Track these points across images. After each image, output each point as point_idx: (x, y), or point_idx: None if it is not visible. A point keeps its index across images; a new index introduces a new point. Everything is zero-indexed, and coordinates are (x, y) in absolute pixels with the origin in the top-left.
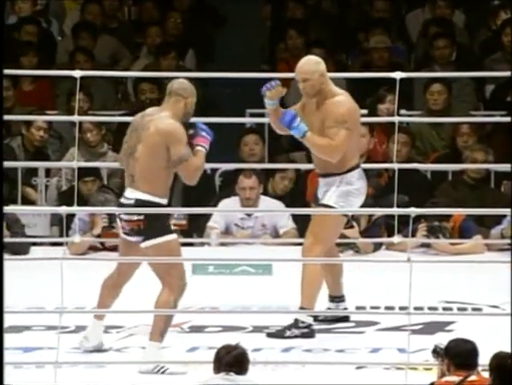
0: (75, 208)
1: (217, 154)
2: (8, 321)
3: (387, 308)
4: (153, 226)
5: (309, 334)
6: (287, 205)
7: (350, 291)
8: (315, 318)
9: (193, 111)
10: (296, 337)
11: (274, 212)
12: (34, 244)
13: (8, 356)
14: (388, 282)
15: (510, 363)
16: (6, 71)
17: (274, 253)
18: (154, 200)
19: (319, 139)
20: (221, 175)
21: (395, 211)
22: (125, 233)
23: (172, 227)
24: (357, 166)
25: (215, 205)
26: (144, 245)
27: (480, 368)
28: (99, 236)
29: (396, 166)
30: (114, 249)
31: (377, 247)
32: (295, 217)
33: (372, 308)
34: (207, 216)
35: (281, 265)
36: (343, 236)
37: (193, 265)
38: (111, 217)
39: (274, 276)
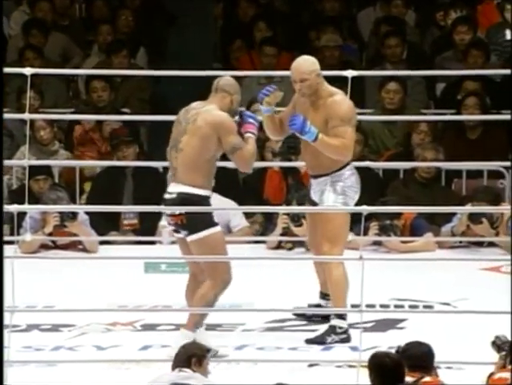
0: (26, 207)
1: None
2: None
3: None
4: (196, 220)
5: (347, 339)
6: (239, 204)
7: (303, 289)
8: (295, 314)
9: (237, 108)
10: (336, 342)
11: (227, 209)
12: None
13: None
14: None
15: (389, 362)
16: None
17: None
18: (197, 193)
19: (332, 139)
20: None
21: (347, 209)
22: (174, 231)
23: (124, 227)
24: (348, 163)
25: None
26: (189, 239)
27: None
28: (50, 234)
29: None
30: (65, 247)
31: None
32: (247, 215)
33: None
34: (158, 215)
35: (232, 262)
36: (293, 234)
37: (146, 264)
38: (63, 216)
39: None
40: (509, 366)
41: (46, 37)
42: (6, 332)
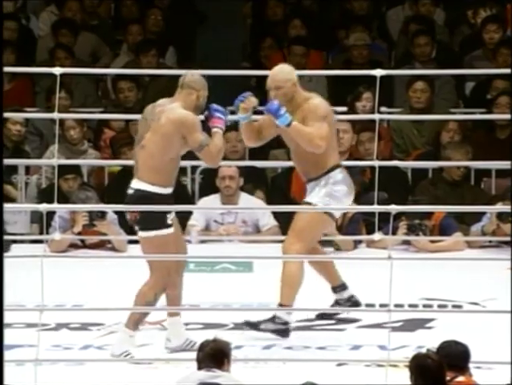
0: (55, 206)
1: None
2: None
3: (367, 305)
4: (148, 218)
5: (283, 331)
6: (267, 203)
7: (330, 288)
8: (321, 316)
9: (204, 104)
10: (270, 331)
11: (255, 209)
12: (15, 241)
13: None
14: (368, 280)
15: (431, 363)
16: None
17: (255, 250)
18: (155, 191)
19: (305, 127)
20: (201, 172)
21: (375, 208)
22: (131, 226)
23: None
24: (338, 165)
25: (194, 203)
26: (139, 234)
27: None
28: (79, 233)
29: (376, 163)
30: (94, 246)
31: (357, 244)
32: (277, 215)
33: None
34: (188, 214)
35: (261, 262)
36: None
37: None
38: (92, 215)
39: (255, 273)
40: None
41: (75, 36)
42: (35, 331)
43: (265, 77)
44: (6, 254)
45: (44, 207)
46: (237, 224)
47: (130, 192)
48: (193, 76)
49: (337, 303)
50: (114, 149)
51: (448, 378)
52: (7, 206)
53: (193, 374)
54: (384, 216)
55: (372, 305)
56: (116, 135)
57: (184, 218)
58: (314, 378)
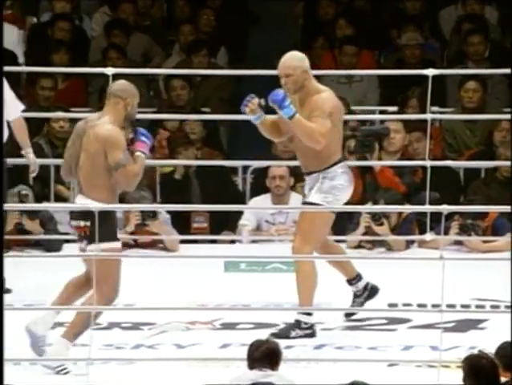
0: (107, 206)
1: (249, 150)
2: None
3: (419, 305)
4: (98, 231)
5: (311, 334)
6: None
7: (382, 288)
8: (347, 317)
9: (135, 112)
10: (300, 337)
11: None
12: (67, 241)
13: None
14: (420, 280)
15: (485, 363)
16: (40, 69)
17: None
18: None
19: (308, 122)
20: (252, 172)
21: (427, 208)
22: (78, 240)
23: (193, 230)
24: (340, 161)
25: (245, 203)
26: (89, 248)
27: None
28: (132, 233)
29: (428, 163)
30: (146, 246)
31: (409, 244)
32: None
33: (404, 305)
34: (239, 214)
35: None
36: (374, 233)
37: (225, 263)
38: (145, 215)
39: None
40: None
41: (128, 37)
42: (88, 330)
43: (316, 76)
44: (57, 254)
45: (96, 207)
46: (287, 225)
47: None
48: (119, 85)
49: (355, 296)
50: (171, 148)
51: (506, 379)
52: (60, 206)
53: (245, 374)
54: (436, 217)
55: (424, 306)
56: (173, 135)
57: (235, 218)
58: (365, 379)
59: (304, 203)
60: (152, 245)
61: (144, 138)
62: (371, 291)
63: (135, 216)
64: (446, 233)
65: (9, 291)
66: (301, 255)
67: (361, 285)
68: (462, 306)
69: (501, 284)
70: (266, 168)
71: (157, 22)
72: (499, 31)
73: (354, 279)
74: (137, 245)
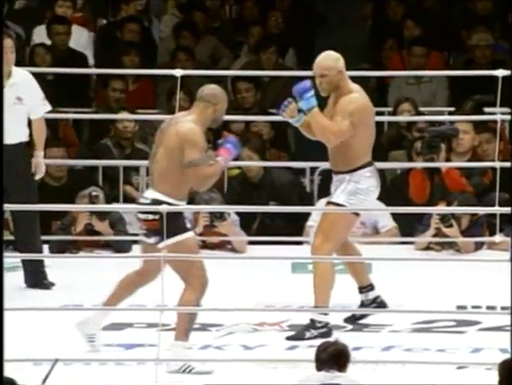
0: (175, 207)
1: (317, 152)
2: (110, 318)
3: (488, 308)
4: (169, 226)
5: (327, 333)
6: (386, 204)
7: (451, 290)
8: (346, 319)
9: (222, 117)
10: (316, 338)
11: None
12: (136, 242)
13: (110, 353)
14: (489, 282)
15: None
16: (108, 71)
17: (374, 251)
18: (168, 201)
19: (324, 119)
20: (320, 174)
21: (497, 210)
22: (144, 235)
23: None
24: (368, 164)
25: (313, 204)
26: (161, 245)
27: None
28: (201, 234)
29: (497, 164)
30: (215, 247)
31: (479, 246)
32: (396, 216)
33: (474, 307)
34: (306, 216)
35: (380, 263)
36: (443, 235)
37: (293, 264)
38: (213, 216)
39: (374, 274)
40: None
41: (196, 39)
42: (155, 331)
43: (384, 78)
44: (127, 254)
45: (164, 208)
46: (355, 226)
47: (146, 201)
48: (211, 90)
49: (362, 304)
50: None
51: None
52: (128, 207)
53: (313, 375)
54: (506, 218)
55: (493, 308)
56: (243, 137)
57: (302, 219)
58: (434, 381)
59: (328, 202)
60: (220, 246)
61: (229, 145)
62: (379, 305)
63: (203, 217)
64: None
65: (49, 286)
66: (325, 256)
67: (371, 295)
68: None
69: None
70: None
71: (226, 23)
72: None
73: (365, 288)
74: (206, 246)
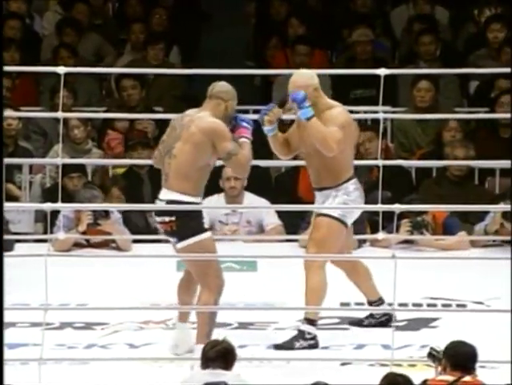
0: (59, 205)
1: None
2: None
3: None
4: (186, 226)
5: (315, 345)
6: (271, 202)
7: (334, 288)
8: (359, 325)
9: (233, 113)
10: (304, 348)
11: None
12: (18, 241)
13: None
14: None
15: (401, 381)
16: None
17: (259, 249)
18: (186, 200)
19: (323, 127)
20: None
21: (379, 207)
22: (166, 236)
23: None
24: (352, 177)
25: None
26: (178, 246)
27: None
28: (84, 232)
29: (380, 162)
30: (98, 245)
31: (360, 243)
32: (281, 214)
33: (357, 304)
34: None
35: (265, 261)
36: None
37: (178, 262)
38: (96, 214)
39: (259, 272)
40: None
41: (79, 36)
42: (39, 330)
43: (268, 76)
44: (9, 253)
45: (48, 206)
46: (241, 225)
47: (161, 203)
48: (221, 87)
49: (371, 316)
50: (129, 145)
51: (454, 377)
52: (11, 205)
53: (197, 374)
54: (388, 215)
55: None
56: (135, 132)
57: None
58: (318, 378)
59: (319, 215)
60: (104, 244)
61: (245, 123)
62: (388, 318)
63: (87, 215)
64: (397, 231)
65: None
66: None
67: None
68: (414, 305)
69: (452, 283)
70: (219, 168)
71: (109, 20)
72: (450, 31)
73: (375, 302)
74: (89, 244)
